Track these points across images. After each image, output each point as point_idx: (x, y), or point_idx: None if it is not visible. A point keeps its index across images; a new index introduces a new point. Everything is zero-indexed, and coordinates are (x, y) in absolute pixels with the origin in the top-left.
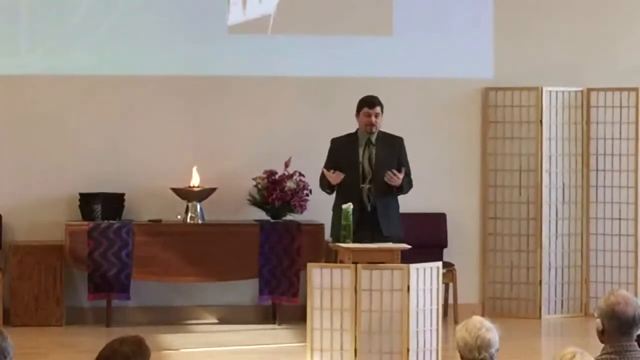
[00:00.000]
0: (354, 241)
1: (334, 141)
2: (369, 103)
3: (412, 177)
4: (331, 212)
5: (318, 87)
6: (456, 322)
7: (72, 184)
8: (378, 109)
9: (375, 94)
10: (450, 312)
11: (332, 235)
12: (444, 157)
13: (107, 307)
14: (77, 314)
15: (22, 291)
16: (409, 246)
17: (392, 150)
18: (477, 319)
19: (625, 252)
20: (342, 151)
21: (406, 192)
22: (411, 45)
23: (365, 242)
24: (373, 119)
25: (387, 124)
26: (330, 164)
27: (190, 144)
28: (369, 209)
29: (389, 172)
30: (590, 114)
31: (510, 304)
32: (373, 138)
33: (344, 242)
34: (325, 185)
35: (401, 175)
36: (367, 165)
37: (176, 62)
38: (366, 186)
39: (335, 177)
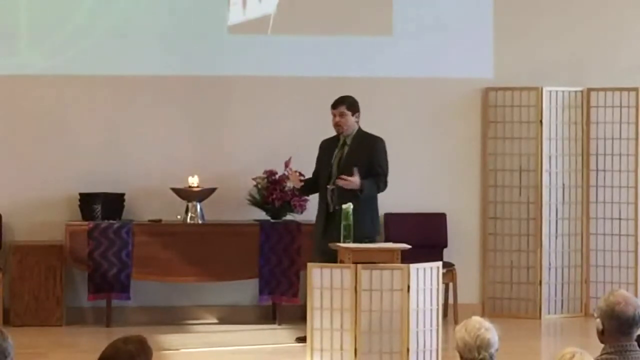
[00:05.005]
0: (324, 240)
1: (321, 143)
2: (332, 104)
3: (412, 177)
4: None
5: (318, 87)
6: (456, 322)
7: (72, 184)
8: (342, 108)
9: (374, 94)
10: (450, 312)
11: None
12: (444, 157)
13: (107, 307)
14: (77, 314)
15: (22, 291)
16: (409, 246)
17: (365, 150)
18: (476, 319)
19: (625, 252)
20: (323, 153)
21: (371, 193)
22: (411, 45)
23: (331, 243)
24: (337, 118)
25: (387, 124)
26: (316, 165)
27: (190, 144)
28: (331, 209)
29: (341, 176)
30: (590, 114)
31: (510, 304)
32: (349, 139)
33: (344, 242)
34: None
35: (353, 178)
36: (336, 166)
37: (176, 62)
38: (330, 186)
39: (294, 178)
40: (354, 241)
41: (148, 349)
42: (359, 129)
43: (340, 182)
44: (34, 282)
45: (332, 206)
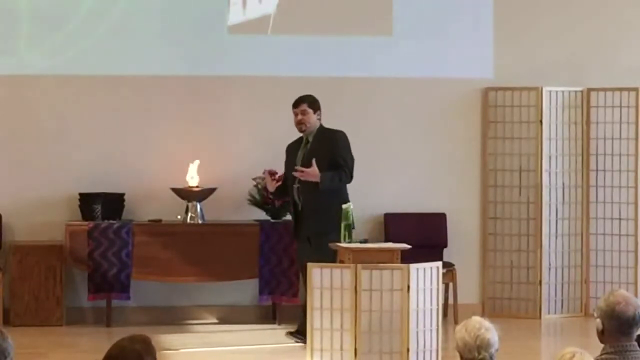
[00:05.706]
0: (297, 240)
1: (286, 147)
2: (294, 104)
3: (412, 177)
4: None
5: (318, 87)
6: (456, 322)
7: (72, 184)
8: (303, 106)
9: (374, 94)
10: (450, 312)
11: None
12: (444, 157)
13: (107, 307)
14: (77, 314)
15: (22, 291)
16: (409, 246)
17: (325, 146)
18: (476, 319)
19: (625, 252)
20: (288, 155)
21: (332, 185)
22: (411, 45)
23: (302, 241)
24: (300, 117)
25: (387, 124)
26: (284, 169)
27: (190, 144)
28: (299, 207)
29: (297, 168)
30: (590, 114)
31: (510, 304)
32: (310, 137)
33: (344, 242)
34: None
35: (309, 170)
36: (300, 164)
37: (176, 62)
38: (296, 185)
39: (268, 181)
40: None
41: (153, 348)
42: (321, 126)
43: (296, 174)
44: (34, 282)
45: (299, 204)
